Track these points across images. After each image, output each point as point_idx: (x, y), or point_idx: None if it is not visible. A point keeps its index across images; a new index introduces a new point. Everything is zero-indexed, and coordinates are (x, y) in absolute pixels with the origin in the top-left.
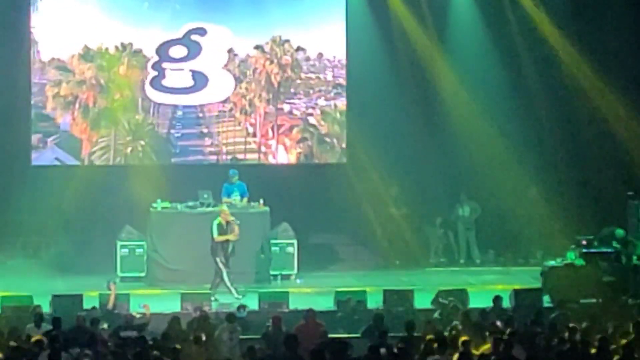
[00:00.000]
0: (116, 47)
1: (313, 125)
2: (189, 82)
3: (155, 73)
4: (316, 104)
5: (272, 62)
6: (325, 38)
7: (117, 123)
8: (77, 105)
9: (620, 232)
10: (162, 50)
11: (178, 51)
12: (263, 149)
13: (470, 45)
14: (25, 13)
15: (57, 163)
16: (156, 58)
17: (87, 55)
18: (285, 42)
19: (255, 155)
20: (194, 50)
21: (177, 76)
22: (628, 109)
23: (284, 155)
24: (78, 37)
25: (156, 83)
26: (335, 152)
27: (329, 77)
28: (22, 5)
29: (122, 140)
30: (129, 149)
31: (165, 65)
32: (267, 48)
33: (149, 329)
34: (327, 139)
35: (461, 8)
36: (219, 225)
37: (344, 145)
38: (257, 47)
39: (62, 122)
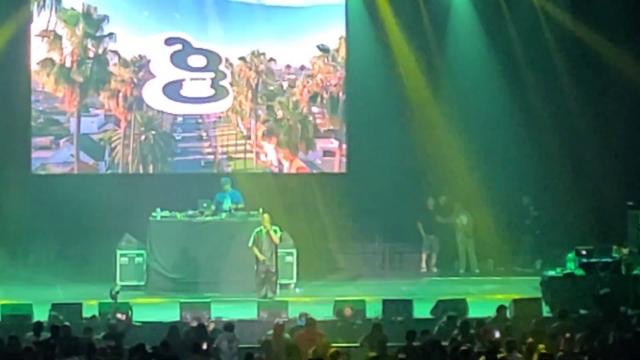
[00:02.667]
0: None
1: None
2: (210, 92)
3: (169, 80)
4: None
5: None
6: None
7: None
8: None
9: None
10: (178, 58)
11: (197, 60)
12: (257, 150)
13: (469, 56)
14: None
15: (72, 160)
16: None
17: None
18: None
19: (251, 156)
20: (214, 61)
21: (196, 86)
22: (628, 117)
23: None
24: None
25: (171, 91)
26: (335, 162)
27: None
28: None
29: (137, 130)
30: (142, 137)
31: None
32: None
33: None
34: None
35: (460, 18)
36: (258, 233)
37: (344, 155)
38: (242, 58)
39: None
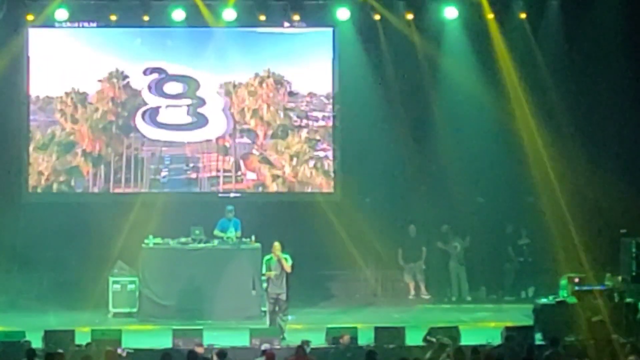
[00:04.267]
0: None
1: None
2: (188, 119)
3: (149, 107)
4: (306, 137)
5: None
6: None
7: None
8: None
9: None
10: (157, 86)
11: (174, 88)
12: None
13: (460, 82)
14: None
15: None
16: (149, 93)
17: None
18: (278, 77)
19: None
20: (193, 88)
21: (174, 113)
22: (621, 143)
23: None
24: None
25: (150, 118)
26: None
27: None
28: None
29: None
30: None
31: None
32: (255, 83)
33: None
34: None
35: (452, 42)
36: (268, 261)
37: (334, 181)
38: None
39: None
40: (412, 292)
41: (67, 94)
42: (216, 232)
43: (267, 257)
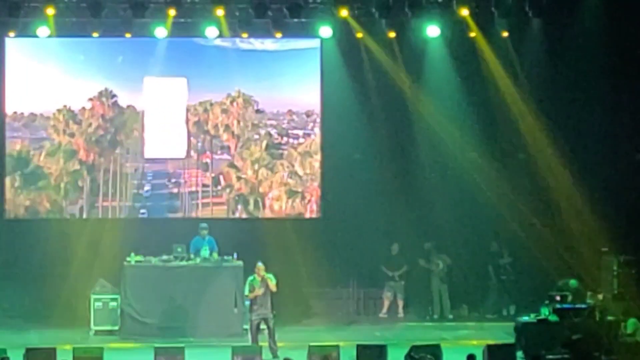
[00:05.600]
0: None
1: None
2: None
3: None
4: (290, 157)
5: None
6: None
7: None
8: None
9: (573, 282)
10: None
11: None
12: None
13: (444, 99)
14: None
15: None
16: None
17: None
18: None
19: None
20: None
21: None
22: (603, 160)
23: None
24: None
25: None
26: (309, 207)
27: (304, 131)
28: None
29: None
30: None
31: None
32: (229, 102)
33: None
34: (302, 193)
35: (435, 61)
36: (251, 281)
37: (318, 200)
38: (219, 102)
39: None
40: (385, 310)
41: (59, 110)
42: (191, 255)
43: (251, 277)
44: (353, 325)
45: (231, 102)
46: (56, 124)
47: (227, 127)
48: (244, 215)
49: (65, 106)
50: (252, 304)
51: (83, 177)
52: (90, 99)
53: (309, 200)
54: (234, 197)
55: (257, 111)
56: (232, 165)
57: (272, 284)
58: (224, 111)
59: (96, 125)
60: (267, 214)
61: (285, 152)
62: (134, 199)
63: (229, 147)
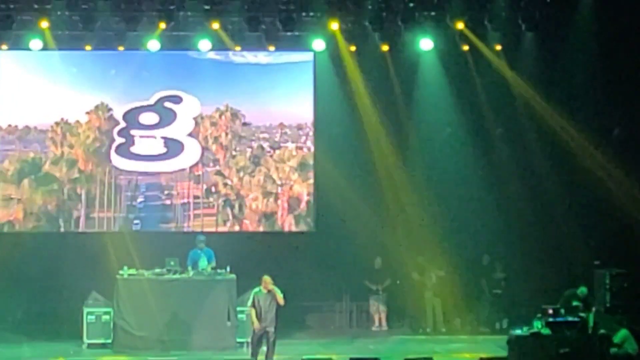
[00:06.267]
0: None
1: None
2: (162, 149)
3: (123, 140)
4: (285, 171)
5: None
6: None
7: None
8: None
9: (583, 290)
10: (131, 116)
11: (149, 118)
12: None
13: (436, 114)
14: None
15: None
16: (123, 124)
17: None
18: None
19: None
20: (167, 118)
21: (148, 143)
22: (594, 175)
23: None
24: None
25: (123, 150)
26: (303, 220)
27: (296, 144)
28: None
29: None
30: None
31: (133, 132)
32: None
33: None
34: (295, 206)
35: (428, 75)
36: (257, 293)
37: (311, 214)
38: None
39: None
40: (377, 323)
41: (57, 123)
42: (190, 269)
43: (256, 289)
44: (346, 338)
45: (220, 116)
46: (54, 137)
47: (215, 139)
48: (236, 227)
49: (62, 119)
50: (259, 317)
51: (82, 186)
52: (88, 112)
53: (281, 200)
54: (222, 202)
55: (244, 124)
56: (219, 173)
57: (279, 297)
58: (213, 124)
59: (93, 137)
60: (247, 213)
61: (262, 159)
62: (128, 210)
63: (218, 160)
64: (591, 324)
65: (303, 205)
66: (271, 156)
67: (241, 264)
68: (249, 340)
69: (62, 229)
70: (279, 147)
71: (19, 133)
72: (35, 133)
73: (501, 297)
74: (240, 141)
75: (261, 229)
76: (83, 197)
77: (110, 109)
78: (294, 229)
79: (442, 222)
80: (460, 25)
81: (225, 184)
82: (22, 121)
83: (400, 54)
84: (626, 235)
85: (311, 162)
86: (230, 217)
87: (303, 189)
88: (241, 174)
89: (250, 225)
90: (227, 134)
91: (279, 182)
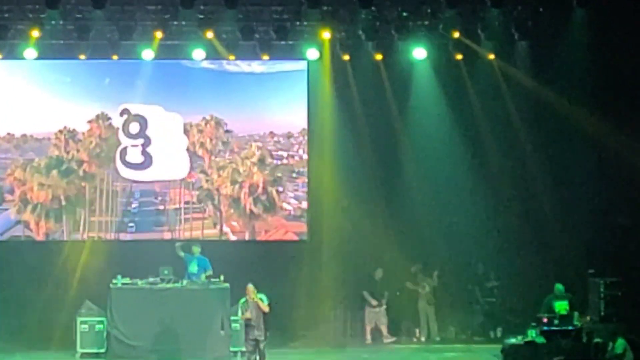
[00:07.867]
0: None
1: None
2: (140, 159)
3: (123, 147)
4: (279, 179)
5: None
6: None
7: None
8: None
9: (559, 286)
10: (125, 125)
11: (134, 127)
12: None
13: (430, 120)
14: None
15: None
16: (122, 133)
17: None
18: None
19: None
20: (144, 127)
21: (134, 152)
22: (590, 182)
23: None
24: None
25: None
26: (297, 229)
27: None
28: None
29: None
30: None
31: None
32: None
33: None
34: (289, 214)
35: (421, 82)
36: (243, 304)
37: (305, 221)
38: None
39: None
40: (369, 336)
41: (60, 131)
42: (183, 281)
43: (242, 300)
44: (340, 348)
45: (206, 124)
46: (57, 143)
47: (202, 145)
48: (225, 228)
49: (66, 127)
50: (247, 326)
51: (86, 189)
52: (89, 121)
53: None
54: (205, 194)
55: (227, 130)
56: (203, 171)
57: (263, 305)
58: (200, 132)
59: (95, 143)
60: (221, 200)
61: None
62: (123, 215)
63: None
64: (577, 321)
65: (260, 189)
66: (239, 154)
67: (235, 273)
68: (243, 349)
69: (64, 234)
70: (272, 156)
71: (16, 141)
72: (32, 142)
73: (495, 306)
74: (227, 147)
75: (241, 222)
76: (87, 200)
77: (109, 118)
78: (254, 209)
79: (435, 231)
80: (455, 34)
81: (207, 180)
82: (20, 130)
83: (394, 63)
84: (620, 243)
85: (303, 169)
86: (213, 211)
87: (260, 178)
88: (221, 171)
89: (225, 212)
90: (211, 140)
91: (244, 174)
